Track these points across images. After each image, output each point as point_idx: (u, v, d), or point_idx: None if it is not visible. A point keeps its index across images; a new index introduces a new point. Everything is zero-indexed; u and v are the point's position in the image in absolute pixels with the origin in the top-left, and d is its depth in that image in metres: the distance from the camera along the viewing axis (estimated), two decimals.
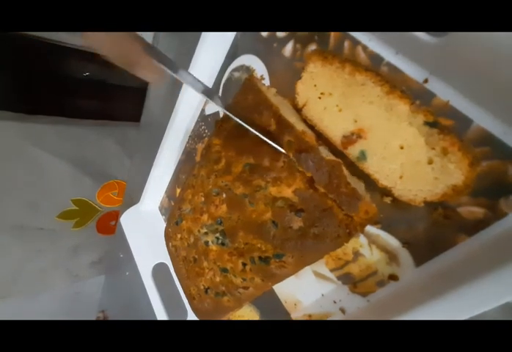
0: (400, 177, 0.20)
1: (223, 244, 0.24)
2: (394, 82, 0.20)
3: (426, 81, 0.19)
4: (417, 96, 0.19)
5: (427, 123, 0.18)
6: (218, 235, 0.24)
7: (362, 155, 0.22)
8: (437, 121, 0.18)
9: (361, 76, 0.21)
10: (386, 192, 0.21)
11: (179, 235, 0.29)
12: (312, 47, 0.25)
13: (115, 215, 0.59)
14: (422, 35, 0.18)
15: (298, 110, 0.25)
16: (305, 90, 0.25)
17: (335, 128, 0.23)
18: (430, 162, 0.18)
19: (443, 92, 0.19)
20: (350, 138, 0.22)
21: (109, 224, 0.59)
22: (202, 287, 0.28)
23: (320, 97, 0.24)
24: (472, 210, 0.18)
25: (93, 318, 0.62)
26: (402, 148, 0.19)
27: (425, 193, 0.19)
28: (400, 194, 0.20)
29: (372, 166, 0.21)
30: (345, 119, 0.22)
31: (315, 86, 0.24)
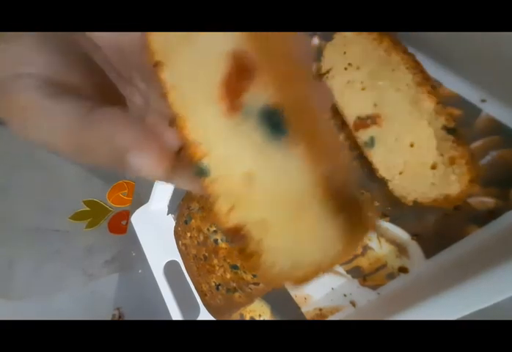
0: (400, 173, 0.20)
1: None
2: (428, 74, 0.19)
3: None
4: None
5: (445, 128, 0.18)
6: None
7: (371, 142, 0.21)
8: (456, 129, 0.18)
9: (397, 57, 0.19)
10: (382, 183, 0.21)
11: (188, 234, 0.30)
12: (315, 40, 0.25)
13: (126, 215, 0.60)
14: None
15: (319, 75, 0.24)
16: (332, 54, 0.23)
17: (352, 107, 0.22)
18: (433, 167, 0.18)
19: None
20: (365, 122, 0.21)
21: (121, 224, 0.60)
22: (213, 284, 0.28)
23: (346, 68, 0.22)
24: (482, 201, 0.18)
25: (109, 315, 0.63)
26: (412, 146, 0.19)
27: (418, 195, 0.19)
28: (393, 188, 0.20)
29: (377, 156, 0.21)
30: (365, 99, 0.21)
31: (345, 53, 0.22)
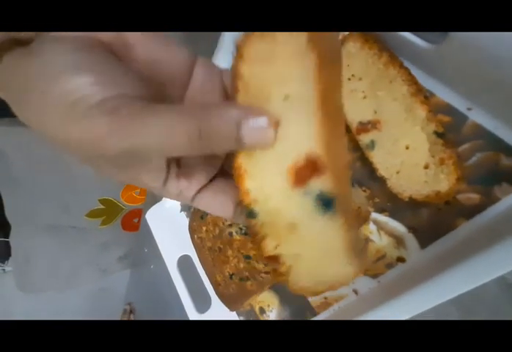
0: (397, 173, 0.22)
1: (246, 234, 0.27)
2: (421, 86, 0.21)
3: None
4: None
5: (436, 133, 0.20)
6: (242, 226, 0.27)
7: (371, 145, 0.23)
8: (445, 133, 0.20)
9: (394, 70, 0.21)
10: (381, 181, 0.23)
11: (204, 228, 0.32)
12: None
13: (138, 213, 0.63)
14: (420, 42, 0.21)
15: None
16: None
17: (355, 113, 0.24)
18: (426, 167, 0.20)
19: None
20: (366, 127, 0.24)
21: (133, 222, 0.63)
22: (227, 274, 0.31)
23: (349, 79, 0.24)
24: (469, 197, 0.20)
25: (121, 309, 0.66)
26: (407, 148, 0.21)
27: (412, 191, 0.21)
28: (391, 186, 0.22)
29: (377, 157, 0.23)
30: (366, 107, 0.23)
31: (348, 66, 0.24)
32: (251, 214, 0.12)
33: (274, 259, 0.12)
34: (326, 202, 0.11)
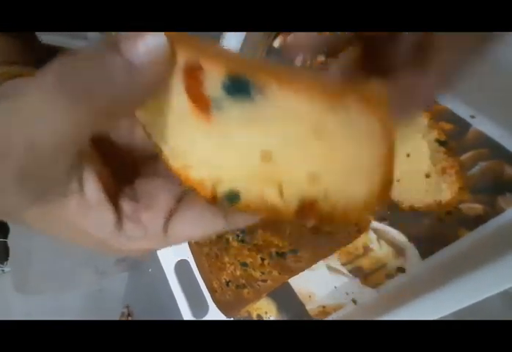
0: (398, 181, 0.21)
1: (243, 241, 0.27)
2: None
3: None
4: None
5: (438, 141, 0.20)
6: (238, 232, 0.26)
7: None
8: (447, 141, 0.20)
9: None
10: None
11: None
12: (321, 57, 0.27)
13: None
14: None
15: None
16: None
17: None
18: (427, 176, 0.20)
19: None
20: None
21: None
22: (223, 281, 0.30)
23: None
24: (472, 207, 0.20)
25: (119, 313, 0.65)
26: (408, 156, 0.21)
27: (413, 201, 0.21)
28: (392, 194, 0.22)
29: None
30: None
31: None
32: (230, 198, 0.09)
33: (308, 208, 0.09)
34: (238, 82, 0.08)
